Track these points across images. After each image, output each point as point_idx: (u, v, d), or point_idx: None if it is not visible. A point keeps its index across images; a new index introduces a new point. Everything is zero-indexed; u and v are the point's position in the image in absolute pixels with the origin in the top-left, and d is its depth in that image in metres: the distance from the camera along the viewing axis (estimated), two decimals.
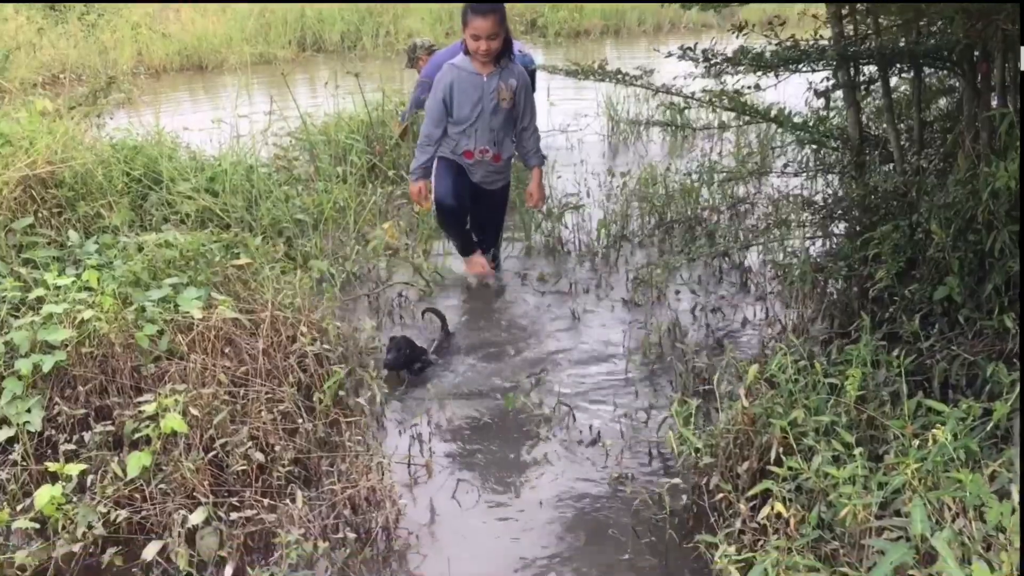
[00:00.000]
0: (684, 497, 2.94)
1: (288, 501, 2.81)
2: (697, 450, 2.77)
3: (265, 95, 8.02)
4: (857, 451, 2.38)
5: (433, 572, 2.71)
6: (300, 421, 3.25)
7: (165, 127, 5.87)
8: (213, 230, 4.53)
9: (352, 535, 2.74)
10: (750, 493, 2.51)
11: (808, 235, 4.38)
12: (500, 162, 4.64)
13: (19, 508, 2.85)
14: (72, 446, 2.98)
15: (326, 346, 3.68)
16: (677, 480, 2.97)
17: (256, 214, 5.04)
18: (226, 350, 3.43)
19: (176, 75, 12.85)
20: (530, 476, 3.21)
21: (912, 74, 4.09)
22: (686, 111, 4.68)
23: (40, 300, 3.53)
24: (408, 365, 3.91)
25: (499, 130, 4.54)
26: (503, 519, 2.97)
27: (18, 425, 3.09)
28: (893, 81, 4.50)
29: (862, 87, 4.37)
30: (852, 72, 4.05)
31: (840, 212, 4.29)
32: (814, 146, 4.80)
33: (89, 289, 3.54)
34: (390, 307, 4.59)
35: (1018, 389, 2.54)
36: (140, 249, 4.01)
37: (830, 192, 4.85)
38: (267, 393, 3.31)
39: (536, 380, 3.85)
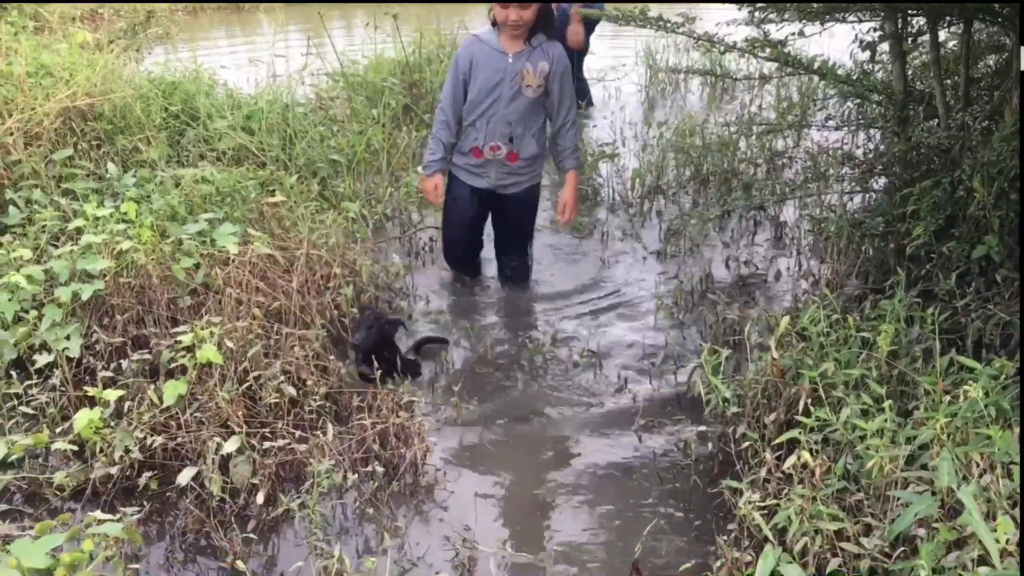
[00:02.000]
0: (710, 445, 2.95)
1: (319, 433, 2.86)
2: (725, 399, 2.78)
3: (302, 36, 7.99)
4: (886, 403, 2.37)
5: (458, 508, 2.76)
6: (332, 359, 3.30)
7: (202, 64, 5.88)
8: (249, 168, 4.55)
9: (380, 469, 2.79)
10: (776, 442, 2.52)
11: (846, 190, 4.32)
12: (517, 162, 3.87)
13: (58, 431, 2.93)
14: (110, 373, 3.04)
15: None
16: (703, 428, 2.98)
17: (291, 153, 5.05)
18: (260, 285, 3.47)
19: (213, 13, 12.82)
20: (555, 421, 3.24)
21: (962, 28, 3.99)
22: (727, 63, 4.62)
23: (79, 231, 3.58)
24: (379, 349, 3.33)
25: (517, 123, 3.79)
26: (527, 462, 3.01)
27: (57, 351, 3.16)
28: (942, 36, 4.39)
29: (909, 39, 4.27)
30: (900, 23, 3.96)
31: (880, 167, 4.22)
32: (857, 100, 4.71)
33: (127, 221, 3.59)
34: (420, 249, 4.61)
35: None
36: (177, 184, 4.05)
37: (871, 147, 4.78)
38: (300, 330, 3.35)
39: (564, 328, 3.86)
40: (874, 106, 4.56)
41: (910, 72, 4.48)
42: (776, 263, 4.34)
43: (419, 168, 4.49)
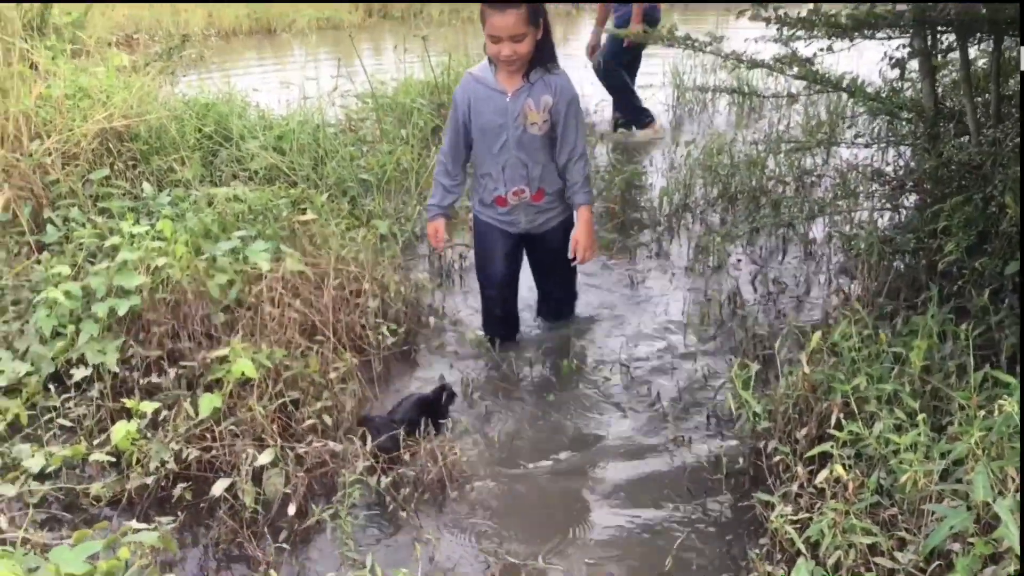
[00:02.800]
0: (741, 460, 2.94)
1: (353, 438, 2.90)
2: (756, 414, 2.77)
3: (332, 59, 8.09)
4: (920, 417, 2.36)
5: (488, 519, 2.77)
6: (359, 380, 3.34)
7: (235, 87, 5.99)
8: (280, 187, 4.62)
9: (412, 472, 2.82)
10: (808, 455, 2.51)
11: (877, 207, 4.31)
12: (544, 199, 3.57)
13: (95, 443, 2.97)
14: (146, 386, 3.09)
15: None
16: (734, 442, 2.97)
17: (322, 173, 5.12)
18: (293, 302, 3.51)
19: (246, 38, 13.04)
20: (586, 434, 3.24)
21: (992, 46, 3.98)
22: (755, 81, 4.61)
23: (115, 248, 3.65)
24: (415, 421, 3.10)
25: (533, 163, 3.47)
26: (558, 473, 3.02)
27: (94, 365, 3.22)
28: (972, 53, 4.38)
29: (939, 56, 4.26)
30: (929, 40, 3.95)
31: (911, 184, 4.20)
32: (886, 117, 4.70)
33: (162, 239, 3.65)
34: (450, 268, 4.64)
35: None
36: (210, 203, 4.12)
37: (901, 164, 4.76)
38: (333, 349, 3.39)
39: (594, 344, 3.87)
40: (904, 123, 4.54)
41: (940, 89, 4.47)
42: (805, 280, 4.33)
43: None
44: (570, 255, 3.60)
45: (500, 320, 3.84)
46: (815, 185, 5.30)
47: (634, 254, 4.79)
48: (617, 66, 6.84)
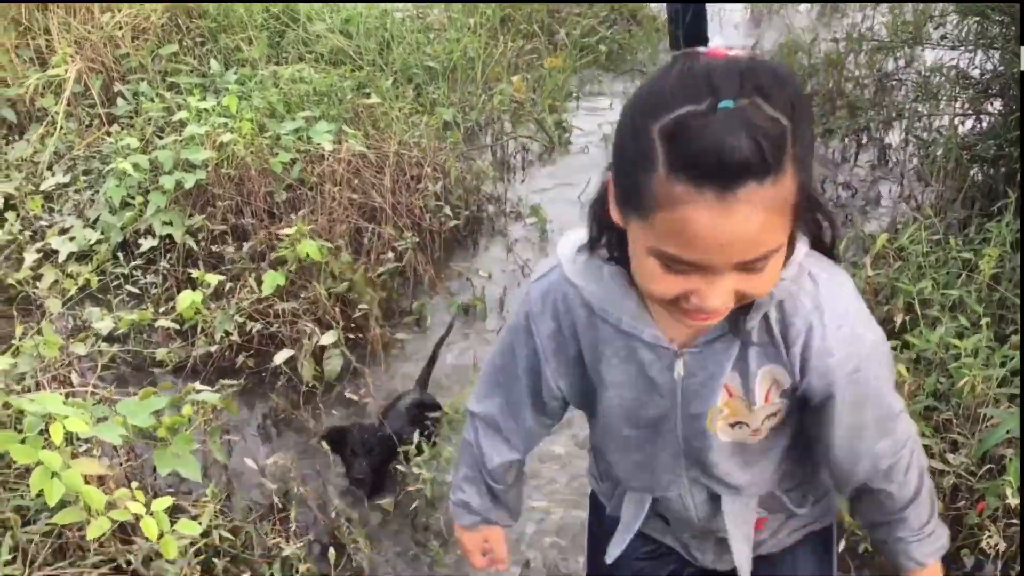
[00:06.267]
0: None
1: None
2: None
3: None
4: (984, 321, 2.30)
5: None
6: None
7: None
8: (346, 70, 4.59)
9: None
10: None
11: (958, 112, 4.12)
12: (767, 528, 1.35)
13: (161, 311, 3.07)
14: (211, 259, 3.17)
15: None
16: None
17: (388, 58, 5.05)
18: (354, 182, 3.53)
19: None
20: None
21: None
22: None
23: (183, 123, 3.69)
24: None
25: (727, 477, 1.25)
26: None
27: (162, 236, 3.30)
28: None
29: None
30: None
31: (996, 89, 4.00)
32: (977, 18, 4.44)
33: (229, 115, 3.68)
34: (511, 159, 4.60)
35: None
36: (276, 83, 4.12)
37: (989, 68, 4.52)
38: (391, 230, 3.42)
39: None
40: (995, 24, 4.30)
41: None
42: (877, 186, 4.20)
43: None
44: None
45: None
46: (895, 89, 5.08)
47: None
48: None
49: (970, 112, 4.15)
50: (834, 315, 1.07)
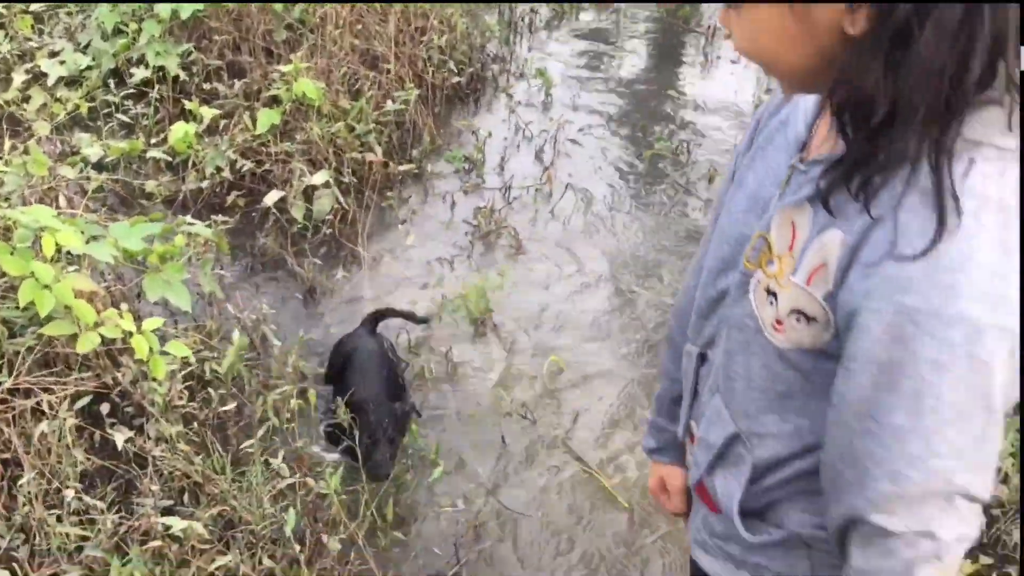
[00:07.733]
0: None
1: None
2: None
3: None
4: None
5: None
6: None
7: None
8: None
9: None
10: None
11: None
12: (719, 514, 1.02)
13: (152, 142, 3.00)
14: (205, 94, 3.08)
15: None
16: None
17: None
18: (356, 27, 3.41)
19: None
20: None
21: None
22: None
23: None
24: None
25: (750, 398, 0.93)
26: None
27: (155, 67, 3.19)
28: None
29: None
30: None
31: None
32: None
33: None
34: (519, 21, 4.45)
35: None
36: None
37: None
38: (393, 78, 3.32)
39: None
40: None
41: None
42: None
43: None
44: None
45: None
46: None
47: (711, 31, 4.56)
48: None
49: None
50: (943, 251, 0.69)
